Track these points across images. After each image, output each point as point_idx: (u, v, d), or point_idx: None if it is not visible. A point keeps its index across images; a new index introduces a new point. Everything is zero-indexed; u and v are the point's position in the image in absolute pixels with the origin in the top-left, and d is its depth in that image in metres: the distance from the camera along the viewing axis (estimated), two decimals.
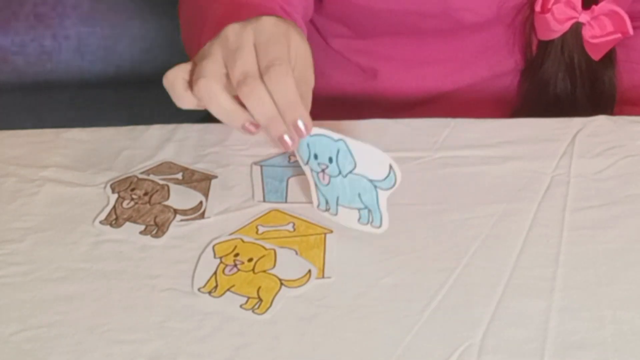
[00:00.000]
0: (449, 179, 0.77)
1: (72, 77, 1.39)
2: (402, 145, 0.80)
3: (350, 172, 0.67)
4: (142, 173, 0.78)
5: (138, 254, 0.70)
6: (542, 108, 0.94)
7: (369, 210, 0.68)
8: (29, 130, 0.84)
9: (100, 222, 0.73)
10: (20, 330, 0.64)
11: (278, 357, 0.61)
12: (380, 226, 0.69)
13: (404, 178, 0.76)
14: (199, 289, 0.66)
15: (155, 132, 0.83)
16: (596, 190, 0.75)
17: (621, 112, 0.91)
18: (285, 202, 0.74)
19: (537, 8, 0.89)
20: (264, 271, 0.67)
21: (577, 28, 0.90)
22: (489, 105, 0.97)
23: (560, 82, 0.94)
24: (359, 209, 0.69)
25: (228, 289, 0.66)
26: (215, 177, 0.77)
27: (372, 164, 0.66)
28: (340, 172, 0.68)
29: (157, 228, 0.72)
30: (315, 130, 0.66)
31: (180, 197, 0.75)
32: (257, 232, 0.71)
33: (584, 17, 0.90)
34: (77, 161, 0.80)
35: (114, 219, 0.73)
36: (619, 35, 0.90)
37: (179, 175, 0.78)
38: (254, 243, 0.70)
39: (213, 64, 0.65)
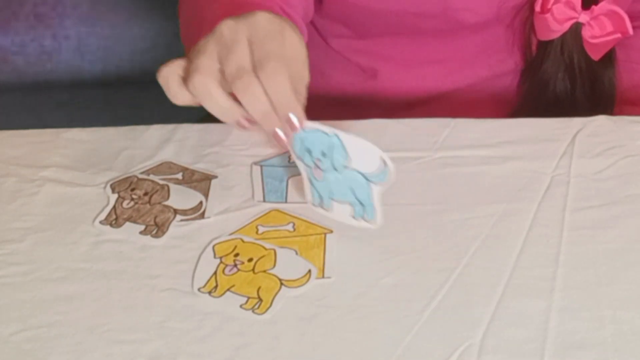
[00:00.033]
0: (449, 179, 0.77)
1: (72, 77, 1.39)
2: (402, 145, 0.80)
3: (344, 167, 0.67)
4: (142, 173, 0.78)
5: (138, 254, 0.70)
6: (542, 108, 0.94)
7: (363, 206, 0.68)
8: (29, 130, 0.84)
9: (100, 222, 0.73)
10: (20, 330, 0.64)
11: (278, 357, 0.61)
12: (374, 221, 0.68)
13: (404, 178, 0.76)
14: (199, 289, 0.66)
15: (155, 132, 0.83)
16: (596, 190, 0.75)
17: (621, 112, 0.91)
18: (285, 202, 0.74)
19: (537, 8, 0.89)
20: (264, 271, 0.67)
21: (576, 28, 0.90)
22: (489, 105, 0.97)
23: (560, 82, 0.94)
24: (353, 204, 0.69)
25: (228, 289, 0.66)
26: (215, 177, 0.77)
27: (365, 159, 0.66)
28: (333, 167, 0.67)
29: (157, 228, 0.72)
30: (309, 125, 0.66)
31: (180, 197, 0.75)
32: (257, 232, 0.71)
33: (583, 17, 0.90)
34: (77, 161, 0.80)
35: (114, 219, 0.73)
36: (619, 35, 0.90)
37: (179, 175, 0.78)
38: (254, 243, 0.70)
39: (207, 59, 0.65)
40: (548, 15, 0.89)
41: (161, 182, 0.77)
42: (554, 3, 0.88)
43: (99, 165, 0.79)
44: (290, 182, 0.76)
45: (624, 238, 0.70)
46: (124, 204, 0.74)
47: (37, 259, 0.70)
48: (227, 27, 0.66)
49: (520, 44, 0.94)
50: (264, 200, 0.75)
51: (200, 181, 0.77)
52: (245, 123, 0.66)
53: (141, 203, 0.74)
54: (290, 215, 0.73)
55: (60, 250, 0.70)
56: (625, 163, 0.78)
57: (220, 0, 0.76)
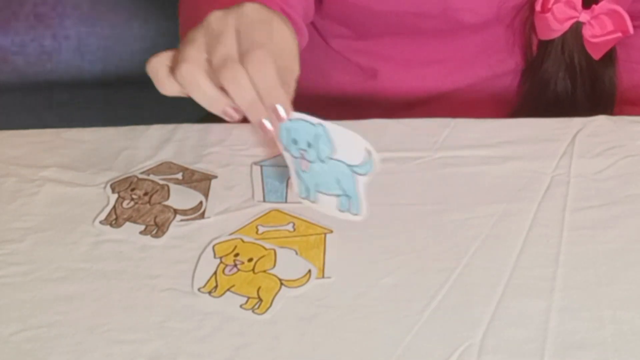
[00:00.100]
0: (449, 179, 0.77)
1: (72, 77, 1.39)
2: (402, 145, 0.80)
3: (329, 157, 0.67)
4: (142, 173, 0.78)
5: (138, 254, 0.70)
6: (542, 108, 0.94)
7: (348, 197, 0.68)
8: (29, 130, 0.84)
9: (100, 222, 0.73)
10: (20, 330, 0.64)
11: (278, 357, 0.61)
12: (359, 214, 0.68)
13: (404, 178, 0.76)
14: (199, 289, 0.66)
15: (155, 132, 0.83)
16: (596, 190, 0.75)
17: (621, 112, 0.91)
18: (285, 202, 0.74)
19: (537, 7, 0.89)
20: (264, 271, 0.67)
21: (577, 27, 0.90)
22: (489, 105, 0.97)
23: (561, 82, 0.94)
24: (338, 196, 0.68)
25: (228, 289, 0.66)
26: (215, 177, 0.77)
27: (350, 150, 0.66)
28: (319, 158, 0.67)
29: (157, 228, 0.72)
30: (295, 115, 0.66)
31: (180, 197, 0.75)
32: (257, 232, 0.71)
33: (584, 16, 0.90)
34: (77, 161, 0.80)
35: (114, 219, 0.73)
36: (619, 34, 0.90)
37: (179, 175, 0.78)
38: (254, 243, 0.70)
39: (194, 49, 0.65)
40: (548, 15, 0.89)
41: (161, 182, 0.77)
42: (555, 2, 0.88)
43: (99, 165, 0.79)
44: (290, 182, 0.76)
45: (624, 238, 0.70)
46: (124, 204, 0.74)
47: (37, 259, 0.70)
48: (216, 18, 0.66)
49: (520, 44, 0.94)
50: (264, 200, 0.75)
51: (200, 181, 0.77)
52: (233, 113, 0.66)
53: (141, 203, 0.74)
54: (290, 215, 0.73)
55: (60, 250, 0.70)
56: (625, 163, 0.78)
57: (219, 1, 0.76)
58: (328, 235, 0.71)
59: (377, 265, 0.68)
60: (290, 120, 0.66)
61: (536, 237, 0.70)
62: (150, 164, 0.79)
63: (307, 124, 0.66)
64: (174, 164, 0.79)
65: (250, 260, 0.68)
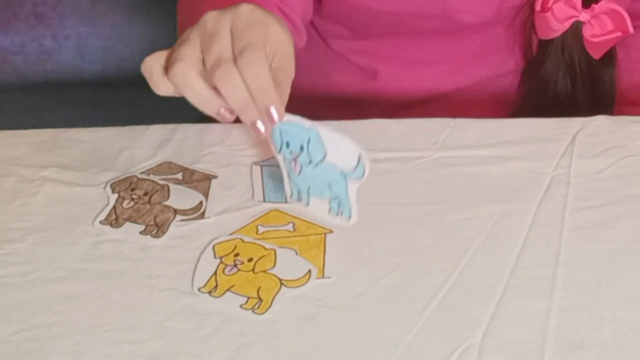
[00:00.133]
0: (449, 179, 0.77)
1: (72, 77, 1.39)
2: (402, 145, 0.80)
3: (321, 161, 0.67)
4: (142, 173, 0.78)
5: (138, 254, 0.70)
6: (542, 108, 0.94)
7: (339, 202, 0.68)
8: (29, 130, 0.84)
9: (100, 222, 0.73)
10: (20, 330, 0.64)
11: (278, 357, 0.61)
12: (350, 218, 0.68)
13: (404, 178, 0.76)
14: (199, 289, 0.66)
15: (155, 132, 0.83)
16: (596, 190, 0.75)
17: (621, 112, 0.91)
18: (285, 202, 0.74)
19: (537, 7, 0.89)
20: (264, 271, 0.67)
21: (577, 27, 0.90)
22: (489, 105, 0.97)
23: (561, 82, 0.94)
24: (330, 200, 0.69)
25: (228, 289, 0.66)
26: (215, 177, 0.77)
27: (342, 154, 0.66)
28: (310, 161, 0.67)
29: (157, 228, 0.72)
30: (288, 117, 0.66)
31: (180, 197, 0.75)
32: (257, 232, 0.71)
33: (584, 15, 0.89)
34: (77, 161, 0.80)
35: (114, 219, 0.73)
36: (619, 33, 0.90)
37: (179, 175, 0.78)
38: (254, 243, 0.70)
39: (189, 48, 0.65)
40: (548, 14, 0.89)
41: (161, 182, 0.77)
42: (555, 2, 0.88)
43: (99, 165, 0.79)
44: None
45: (624, 238, 0.70)
46: (124, 204, 0.74)
47: (37, 259, 0.70)
48: (211, 18, 0.66)
49: (520, 44, 0.94)
50: (264, 200, 0.75)
51: (200, 181, 0.77)
52: (226, 114, 0.66)
53: (141, 203, 0.74)
54: (290, 215, 0.73)
55: (60, 250, 0.70)
56: (625, 163, 0.78)
57: (216, 1, 0.76)
58: (328, 235, 0.71)
59: (377, 265, 0.68)
60: (283, 123, 0.66)
61: (536, 237, 0.70)
62: (150, 164, 0.79)
63: (300, 127, 0.66)
64: (174, 164, 0.79)
65: (250, 260, 0.68)
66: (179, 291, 0.66)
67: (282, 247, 0.70)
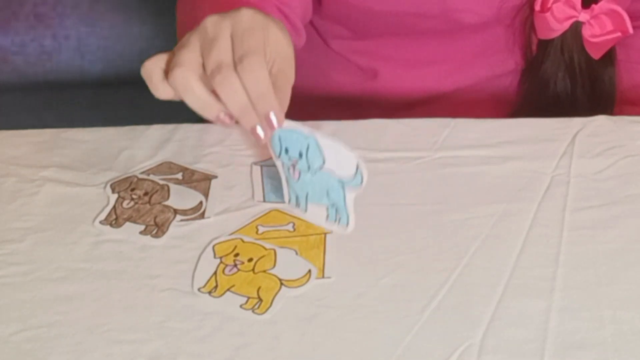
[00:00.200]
0: (449, 179, 0.77)
1: (72, 77, 1.39)
2: (402, 145, 0.80)
3: (319, 168, 0.67)
4: (142, 173, 0.78)
5: (138, 254, 0.70)
6: (542, 108, 0.94)
7: (337, 209, 0.68)
8: (29, 130, 0.84)
9: (100, 222, 0.73)
10: (20, 330, 0.64)
11: (278, 357, 0.61)
12: (347, 226, 0.69)
13: (404, 178, 0.76)
14: (199, 289, 0.66)
15: (155, 132, 0.83)
16: (596, 190, 0.75)
17: (621, 112, 0.91)
18: (285, 202, 0.74)
19: (537, 7, 0.89)
20: (264, 271, 0.67)
21: (576, 27, 0.90)
22: (489, 105, 0.97)
23: (560, 82, 0.94)
24: (327, 207, 0.69)
25: (228, 289, 0.66)
26: (215, 177, 0.77)
27: (340, 162, 0.66)
28: (309, 168, 0.67)
29: (157, 228, 0.72)
30: (287, 124, 0.66)
31: (180, 197, 0.75)
32: (257, 232, 0.71)
33: (583, 16, 0.89)
34: (77, 161, 0.80)
35: (114, 219, 0.73)
36: (619, 34, 0.90)
37: (179, 175, 0.78)
38: (254, 243, 0.70)
39: (189, 53, 0.65)
40: (548, 15, 0.89)
41: (161, 182, 0.77)
42: (554, 2, 0.88)
43: (99, 165, 0.79)
44: None
45: (624, 238, 0.70)
46: (124, 204, 0.74)
47: (37, 259, 0.70)
48: (211, 23, 0.66)
49: (520, 44, 0.94)
50: (264, 200, 0.75)
51: (200, 181, 0.77)
52: (226, 119, 0.66)
53: (141, 203, 0.74)
54: (290, 215, 0.73)
55: (60, 250, 0.70)
56: (625, 163, 0.78)
57: (214, 2, 0.76)
58: (328, 235, 0.71)
59: (377, 265, 0.68)
60: (282, 129, 0.66)
61: (536, 237, 0.70)
62: (150, 164, 0.79)
63: (299, 133, 0.67)
64: (174, 164, 0.79)
65: (250, 260, 0.68)
66: (179, 291, 0.66)
67: (282, 247, 0.70)
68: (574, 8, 0.89)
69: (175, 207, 0.74)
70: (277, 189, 0.75)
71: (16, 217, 0.74)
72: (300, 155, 0.67)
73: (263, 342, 0.62)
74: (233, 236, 0.71)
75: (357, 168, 0.66)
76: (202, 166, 0.79)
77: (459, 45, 0.94)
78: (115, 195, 0.75)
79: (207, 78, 0.64)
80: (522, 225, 0.71)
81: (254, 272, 0.67)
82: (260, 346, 0.62)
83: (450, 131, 0.82)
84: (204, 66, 0.65)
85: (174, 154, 0.80)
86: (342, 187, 0.67)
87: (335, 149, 0.66)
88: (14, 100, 1.40)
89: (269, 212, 0.73)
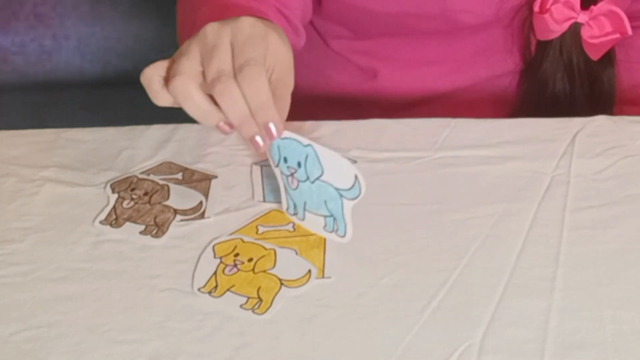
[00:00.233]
0: (449, 179, 0.77)
1: (72, 77, 1.39)
2: (402, 145, 0.80)
3: (317, 178, 0.67)
4: (142, 173, 0.78)
5: (138, 254, 0.70)
6: (541, 108, 0.94)
7: (335, 219, 0.68)
8: (29, 130, 0.84)
9: (100, 222, 0.73)
10: (20, 330, 0.64)
11: (278, 357, 0.61)
12: (344, 236, 0.69)
13: (404, 178, 0.76)
14: (199, 289, 0.66)
15: (155, 132, 0.83)
16: (596, 190, 0.75)
17: (621, 112, 0.91)
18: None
19: (536, 8, 0.89)
20: (264, 271, 0.67)
21: (575, 28, 0.90)
22: (489, 106, 0.97)
23: (559, 82, 0.94)
24: (325, 216, 0.69)
25: (228, 289, 0.66)
26: (215, 177, 0.77)
27: (338, 173, 0.66)
28: (307, 178, 0.68)
29: (157, 228, 0.72)
30: (286, 133, 0.67)
31: (180, 197, 0.75)
32: (257, 232, 0.71)
33: (582, 17, 0.89)
34: (77, 161, 0.80)
35: (114, 219, 0.73)
36: (618, 35, 0.90)
37: (179, 175, 0.78)
38: (254, 243, 0.70)
39: (189, 61, 0.65)
40: (547, 16, 0.89)
41: (161, 182, 0.77)
42: (553, 3, 0.88)
43: (99, 165, 0.79)
44: None
45: (624, 238, 0.70)
46: (124, 204, 0.74)
47: (37, 259, 0.70)
48: (211, 31, 0.66)
49: (519, 45, 0.94)
50: (264, 200, 0.75)
51: (200, 181, 0.77)
52: (226, 127, 0.66)
53: (141, 203, 0.74)
54: None
55: (60, 250, 0.70)
56: (625, 163, 0.78)
57: (212, 3, 0.76)
58: None
59: (377, 265, 0.68)
60: (281, 138, 0.66)
61: (536, 237, 0.70)
62: (150, 164, 0.79)
63: (298, 143, 0.67)
64: (174, 164, 0.79)
65: (250, 260, 0.68)
66: (179, 291, 0.66)
67: (282, 247, 0.70)
68: (572, 9, 0.89)
69: (175, 207, 0.74)
70: (277, 189, 0.75)
71: (16, 217, 0.74)
72: (299, 165, 0.68)
73: (263, 342, 0.62)
74: (233, 236, 0.71)
75: (356, 179, 0.66)
76: (202, 166, 0.79)
77: (459, 45, 0.94)
78: (115, 195, 0.75)
79: (207, 87, 0.64)
80: (522, 225, 0.71)
81: (254, 272, 0.67)
82: (260, 346, 0.62)
83: (450, 131, 0.82)
84: (203, 74, 0.65)
85: (174, 154, 0.80)
86: (340, 197, 0.67)
87: (334, 160, 0.66)
88: (14, 100, 1.40)
89: (269, 212, 0.73)
